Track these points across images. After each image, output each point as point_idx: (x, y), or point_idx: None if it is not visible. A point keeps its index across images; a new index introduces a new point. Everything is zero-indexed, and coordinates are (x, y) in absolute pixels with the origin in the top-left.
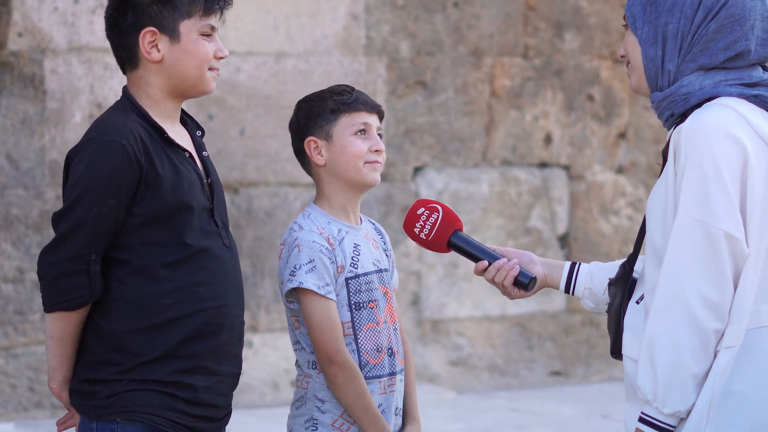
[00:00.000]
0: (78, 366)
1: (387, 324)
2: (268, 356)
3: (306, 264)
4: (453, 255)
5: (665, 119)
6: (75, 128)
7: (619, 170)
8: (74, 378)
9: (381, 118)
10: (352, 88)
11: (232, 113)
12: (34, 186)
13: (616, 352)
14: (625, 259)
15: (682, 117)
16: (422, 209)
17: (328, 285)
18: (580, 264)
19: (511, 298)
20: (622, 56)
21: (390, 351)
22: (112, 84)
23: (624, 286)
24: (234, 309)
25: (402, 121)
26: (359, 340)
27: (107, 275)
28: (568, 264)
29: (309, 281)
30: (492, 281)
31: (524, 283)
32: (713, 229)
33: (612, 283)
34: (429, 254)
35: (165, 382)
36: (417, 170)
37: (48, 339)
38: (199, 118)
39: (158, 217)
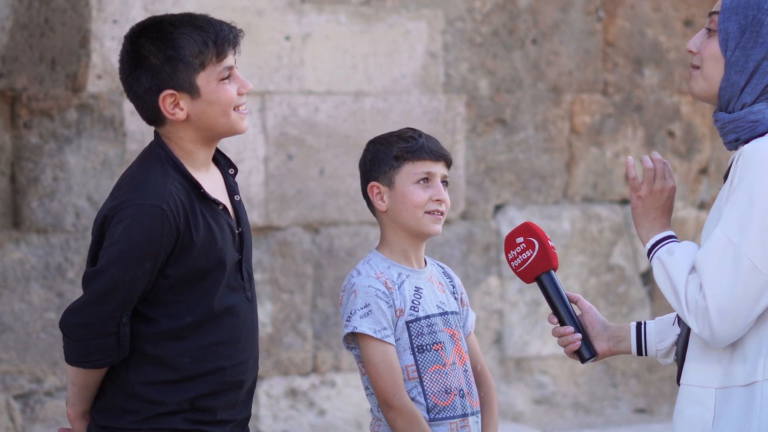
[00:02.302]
0: (94, 410)
1: (456, 365)
2: (351, 396)
3: (361, 309)
4: (535, 292)
5: (728, 141)
6: None
7: (701, 206)
8: (91, 423)
9: (448, 165)
10: (420, 134)
11: (311, 153)
12: None
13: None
14: None
15: (746, 142)
16: (521, 239)
17: (385, 329)
18: (645, 324)
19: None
20: (691, 52)
21: (461, 392)
22: None
23: None
24: (250, 364)
25: (482, 158)
26: (425, 383)
27: (132, 329)
28: (633, 328)
29: (364, 326)
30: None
31: (583, 358)
32: (743, 257)
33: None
34: (511, 292)
35: (181, 431)
36: (498, 208)
37: (70, 384)
38: (279, 159)
39: (190, 278)
